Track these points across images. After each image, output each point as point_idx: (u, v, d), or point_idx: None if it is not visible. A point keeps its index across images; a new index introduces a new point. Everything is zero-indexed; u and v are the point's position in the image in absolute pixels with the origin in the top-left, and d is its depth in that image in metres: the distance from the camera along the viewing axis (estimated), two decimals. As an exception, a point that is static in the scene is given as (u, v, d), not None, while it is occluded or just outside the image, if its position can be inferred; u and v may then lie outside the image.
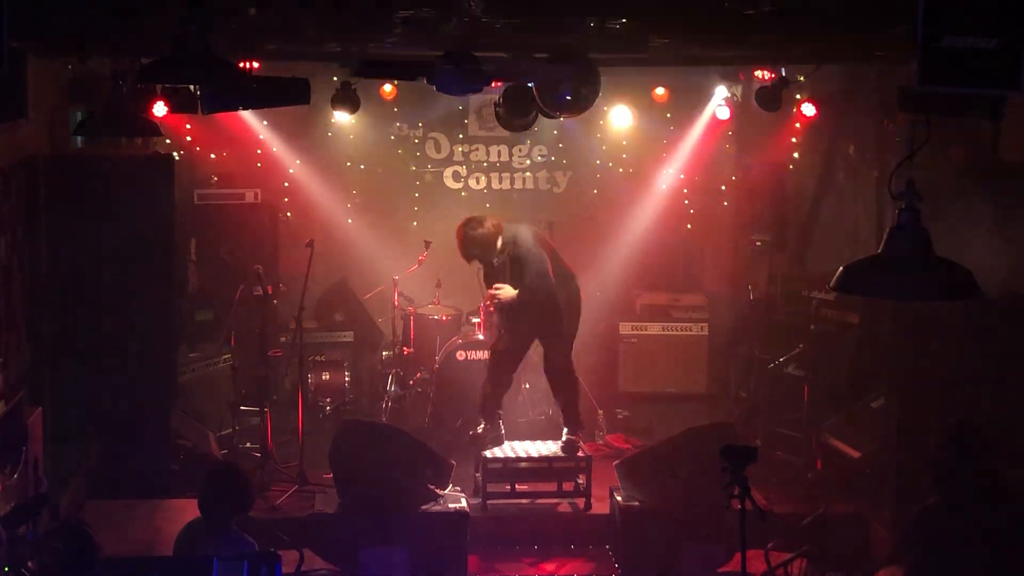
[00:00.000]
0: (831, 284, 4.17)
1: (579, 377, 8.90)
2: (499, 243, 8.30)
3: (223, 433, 9.43)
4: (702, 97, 11.38)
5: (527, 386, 9.98)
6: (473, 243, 8.24)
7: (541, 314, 8.41)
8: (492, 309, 8.73)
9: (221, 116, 10.39)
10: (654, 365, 11.05)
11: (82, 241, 8.07)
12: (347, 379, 10.63)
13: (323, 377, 10.55)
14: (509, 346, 8.62)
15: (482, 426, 8.54)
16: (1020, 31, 3.13)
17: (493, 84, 8.15)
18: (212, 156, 11.37)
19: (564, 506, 8.43)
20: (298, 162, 11.55)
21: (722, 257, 12.00)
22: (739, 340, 10.26)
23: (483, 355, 9.65)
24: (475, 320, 10.14)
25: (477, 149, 11.89)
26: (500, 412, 8.67)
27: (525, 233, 8.46)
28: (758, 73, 9.70)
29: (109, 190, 8.14)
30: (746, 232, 10.60)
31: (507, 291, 8.36)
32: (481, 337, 9.88)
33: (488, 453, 8.40)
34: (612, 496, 8.06)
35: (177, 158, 10.21)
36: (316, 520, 7.67)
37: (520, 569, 7.96)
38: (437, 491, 7.66)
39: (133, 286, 8.13)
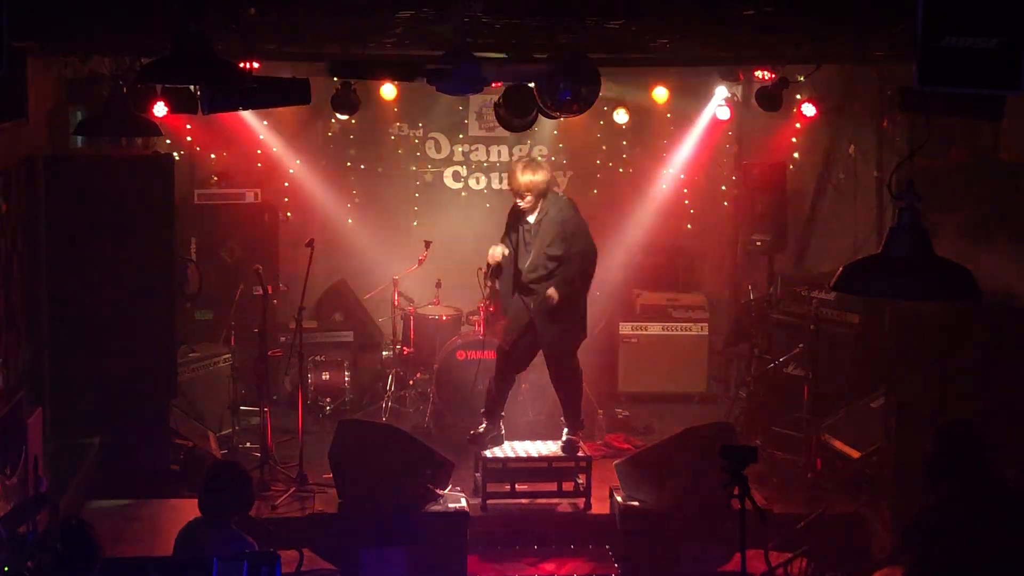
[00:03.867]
0: (831, 284, 4.17)
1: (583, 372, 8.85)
2: (536, 199, 8.21)
3: (223, 433, 9.44)
4: (702, 97, 11.38)
5: (527, 386, 9.98)
6: (516, 186, 8.16)
7: (570, 292, 8.31)
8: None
9: (221, 116, 10.38)
10: (654, 365, 11.05)
11: (82, 241, 8.07)
12: (347, 379, 10.63)
13: (323, 377, 10.55)
14: (518, 343, 8.52)
15: (483, 426, 8.53)
16: (1020, 31, 3.13)
17: (493, 84, 8.15)
18: (212, 156, 11.38)
19: (564, 506, 8.42)
20: (298, 162, 11.55)
21: (722, 257, 12.01)
22: (739, 340, 10.26)
23: (483, 355, 9.66)
24: (475, 320, 10.14)
25: (477, 149, 11.90)
26: (503, 414, 8.66)
27: (569, 210, 8.38)
28: (758, 73, 9.70)
29: (109, 190, 8.14)
30: (746, 232, 10.60)
31: (496, 254, 8.26)
32: (481, 337, 9.88)
33: (488, 453, 8.39)
34: (612, 496, 8.06)
35: (177, 158, 10.22)
36: (316, 520, 7.68)
37: (520, 569, 7.96)
38: (437, 491, 7.66)
39: (133, 285, 8.12)
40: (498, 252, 8.29)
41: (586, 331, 8.70)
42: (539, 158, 8.55)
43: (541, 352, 8.66)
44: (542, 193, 8.24)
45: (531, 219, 8.29)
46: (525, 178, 8.15)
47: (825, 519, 7.55)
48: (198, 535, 5.48)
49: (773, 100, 9.34)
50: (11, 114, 6.69)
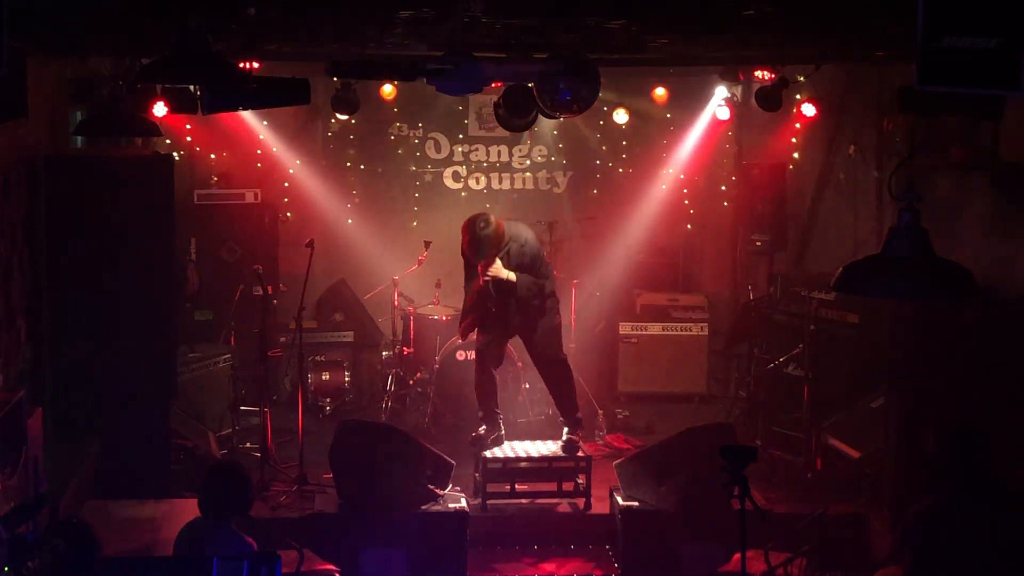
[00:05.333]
0: (831, 284, 4.17)
1: (576, 374, 8.89)
2: (503, 240, 8.30)
3: (223, 433, 9.43)
4: (702, 97, 11.39)
5: (527, 386, 9.98)
6: (486, 241, 8.16)
7: (531, 304, 8.42)
8: (486, 287, 8.41)
9: (221, 116, 10.39)
10: (654, 365, 11.05)
11: (82, 241, 8.06)
12: (347, 379, 10.64)
13: (323, 377, 10.55)
14: (492, 339, 8.59)
15: (483, 428, 8.54)
16: (1020, 31, 3.13)
17: (493, 84, 8.14)
18: (212, 156, 11.39)
19: (564, 506, 8.42)
20: (298, 162, 11.56)
21: (722, 257, 12.01)
22: (739, 340, 10.26)
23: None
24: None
25: (477, 149, 11.90)
26: (499, 412, 8.67)
27: (526, 230, 8.49)
28: (758, 73, 9.71)
29: (109, 190, 8.13)
30: (746, 232, 10.61)
31: (500, 268, 8.26)
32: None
33: (488, 453, 8.39)
34: (612, 496, 8.06)
35: (177, 158, 10.22)
36: (316, 520, 7.67)
37: (520, 569, 7.95)
38: (437, 491, 7.66)
39: (133, 286, 8.12)
40: (502, 270, 8.29)
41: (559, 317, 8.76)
42: (485, 219, 8.33)
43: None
44: (501, 240, 8.24)
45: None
46: (484, 233, 8.14)
47: (825, 519, 7.54)
48: (198, 535, 5.48)
49: (773, 100, 9.34)
50: (11, 114, 6.68)
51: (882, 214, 10.06)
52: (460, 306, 10.43)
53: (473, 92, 7.13)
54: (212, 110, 6.89)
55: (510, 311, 8.43)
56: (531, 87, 7.57)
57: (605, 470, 8.37)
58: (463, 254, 8.48)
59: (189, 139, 11.25)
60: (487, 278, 8.26)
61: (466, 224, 8.28)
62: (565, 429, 8.59)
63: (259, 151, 11.47)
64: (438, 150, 11.89)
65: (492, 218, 8.30)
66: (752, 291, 10.00)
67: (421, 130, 11.83)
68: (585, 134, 11.84)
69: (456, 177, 11.91)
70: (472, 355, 9.73)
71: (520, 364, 9.81)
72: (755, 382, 9.59)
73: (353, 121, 11.45)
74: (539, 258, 8.44)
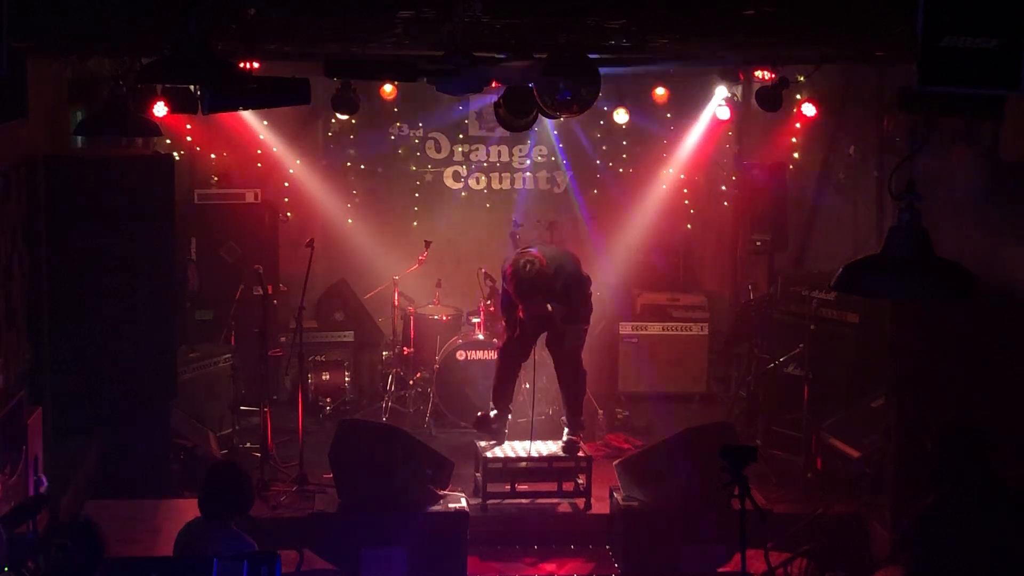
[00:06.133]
0: (831, 284, 4.17)
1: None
2: (549, 274, 8.26)
3: (223, 433, 9.44)
4: (702, 97, 11.39)
5: (527, 386, 9.97)
6: (533, 282, 8.15)
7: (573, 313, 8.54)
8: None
9: (221, 116, 10.39)
10: (654, 365, 11.04)
11: (82, 241, 8.07)
12: (347, 379, 10.63)
13: (323, 377, 10.55)
14: (520, 340, 8.64)
15: (493, 411, 8.57)
16: (1020, 31, 3.13)
17: (493, 84, 8.14)
18: (212, 156, 11.38)
19: (564, 506, 8.43)
20: (298, 162, 11.55)
21: (722, 257, 12.01)
22: (739, 340, 10.26)
23: (483, 355, 9.69)
24: (475, 320, 10.15)
25: (477, 149, 11.89)
26: (510, 410, 8.72)
27: (566, 257, 8.52)
28: (758, 73, 9.71)
29: (109, 190, 8.14)
30: (746, 232, 10.61)
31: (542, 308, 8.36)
32: (481, 337, 9.89)
33: (488, 453, 8.40)
34: (612, 496, 8.06)
35: (177, 158, 10.22)
36: (316, 520, 7.67)
37: (520, 569, 7.96)
38: (437, 491, 7.66)
39: (133, 286, 8.12)
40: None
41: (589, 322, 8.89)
42: (528, 259, 8.27)
43: (543, 355, 8.82)
44: (546, 275, 8.21)
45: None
46: (530, 275, 8.13)
47: (825, 519, 7.55)
48: (198, 535, 5.48)
49: (773, 100, 9.35)
50: (11, 114, 6.70)
51: (882, 214, 10.06)
52: (460, 307, 10.54)
53: (473, 92, 7.13)
54: (212, 110, 6.88)
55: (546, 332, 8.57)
56: (531, 87, 7.58)
57: (605, 470, 8.37)
58: (508, 294, 8.46)
59: (189, 139, 11.24)
60: (529, 317, 8.33)
61: (511, 270, 8.22)
62: (566, 429, 8.60)
63: (259, 151, 11.46)
64: (438, 150, 11.88)
65: (534, 257, 8.24)
66: (752, 291, 10.00)
67: (421, 130, 11.82)
68: (585, 134, 11.83)
69: (456, 177, 11.90)
70: (472, 355, 9.78)
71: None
72: (755, 382, 9.60)
73: (353, 121, 11.45)
74: (582, 281, 8.48)
